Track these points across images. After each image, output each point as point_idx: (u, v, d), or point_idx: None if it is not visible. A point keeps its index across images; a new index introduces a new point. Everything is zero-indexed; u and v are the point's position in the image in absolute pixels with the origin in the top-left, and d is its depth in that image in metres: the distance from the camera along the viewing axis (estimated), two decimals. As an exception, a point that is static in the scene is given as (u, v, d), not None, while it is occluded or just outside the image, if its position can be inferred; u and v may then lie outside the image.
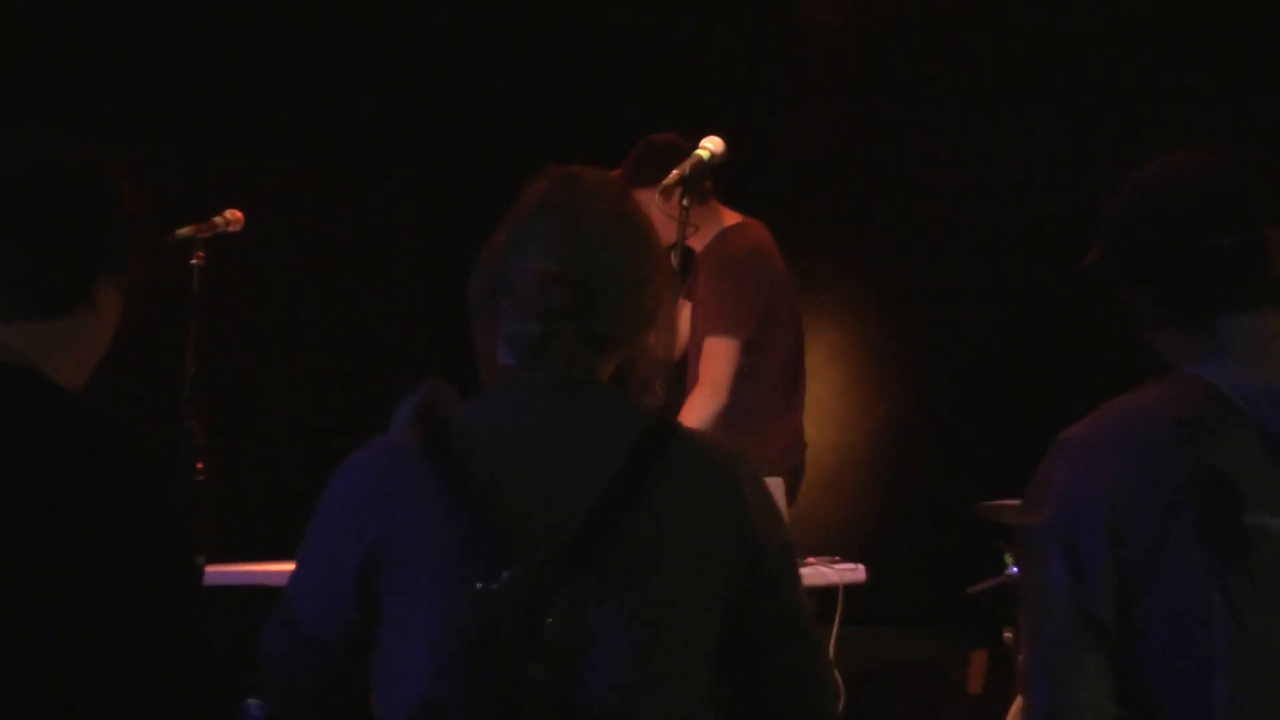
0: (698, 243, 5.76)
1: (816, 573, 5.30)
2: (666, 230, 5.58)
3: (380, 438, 2.55)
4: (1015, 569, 5.31)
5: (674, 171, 4.90)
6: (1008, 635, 5.55)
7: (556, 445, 2.44)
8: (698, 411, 5.62)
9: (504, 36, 7.95)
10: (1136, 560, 2.44)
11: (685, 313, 5.80)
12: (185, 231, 5.47)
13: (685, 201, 4.92)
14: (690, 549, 2.40)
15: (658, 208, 5.35)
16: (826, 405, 6.12)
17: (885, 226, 7.52)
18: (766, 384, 5.76)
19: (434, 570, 2.39)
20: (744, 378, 5.71)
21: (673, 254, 4.89)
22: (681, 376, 5.92)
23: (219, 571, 5.00)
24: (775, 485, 5.24)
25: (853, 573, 5.36)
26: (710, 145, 4.93)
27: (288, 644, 2.51)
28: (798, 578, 2.55)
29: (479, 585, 2.34)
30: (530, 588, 2.34)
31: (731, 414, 5.72)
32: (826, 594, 5.38)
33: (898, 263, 7.52)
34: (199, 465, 5.11)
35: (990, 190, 7.25)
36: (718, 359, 5.69)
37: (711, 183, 5.63)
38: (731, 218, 5.80)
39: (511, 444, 2.44)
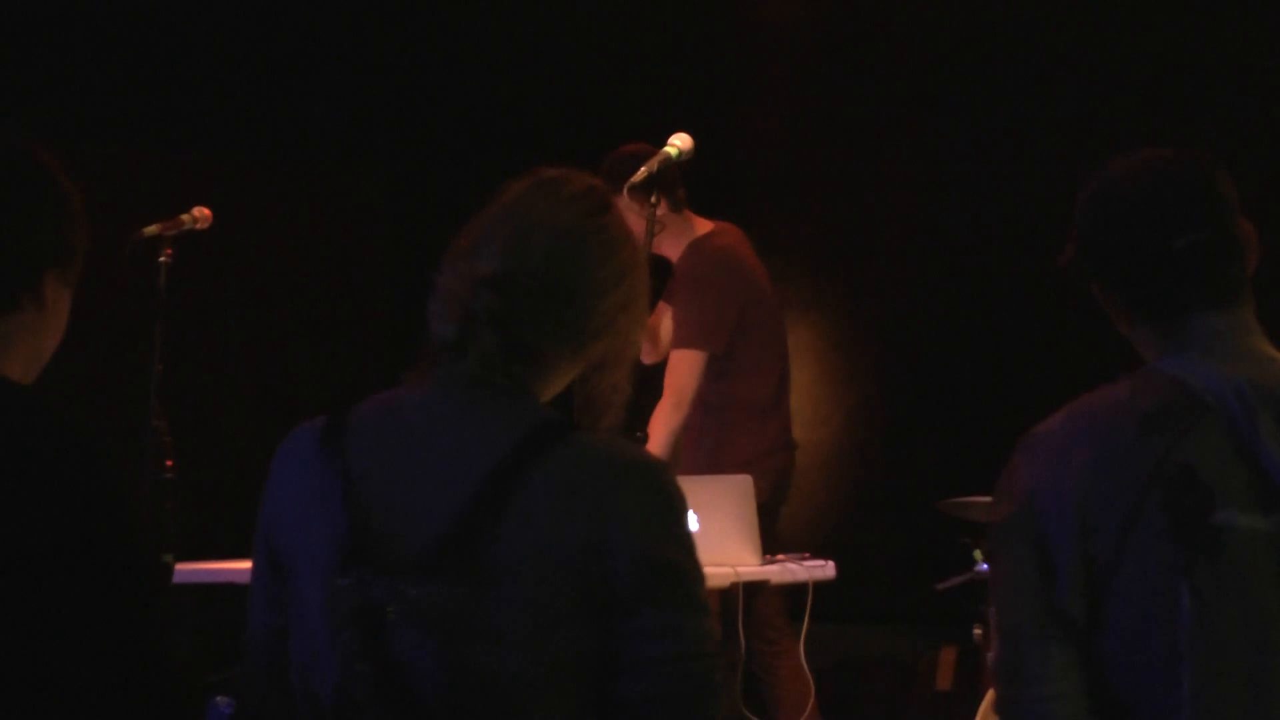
0: (672, 252, 5.76)
1: (786, 569, 5.31)
2: (641, 231, 5.62)
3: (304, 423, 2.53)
4: (984, 565, 5.33)
5: (641, 169, 4.90)
6: (977, 632, 5.56)
7: (439, 446, 2.38)
8: (660, 423, 5.64)
9: (468, 34, 7.95)
10: (1104, 554, 2.44)
11: (666, 320, 5.81)
12: (152, 229, 5.46)
13: (654, 199, 4.92)
14: (548, 558, 2.29)
15: (631, 211, 5.35)
16: (793, 403, 6.13)
17: (847, 225, 7.53)
18: (743, 385, 5.76)
19: (309, 561, 2.38)
20: (720, 379, 5.72)
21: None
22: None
23: (187, 569, 4.99)
24: (743, 483, 5.25)
25: (822, 569, 5.37)
26: (678, 142, 4.93)
27: (247, 636, 2.50)
28: (681, 599, 2.34)
29: (338, 581, 2.33)
30: (376, 587, 2.30)
31: (709, 416, 5.73)
32: (796, 591, 5.39)
33: (861, 260, 7.54)
34: (167, 463, 5.10)
35: (951, 187, 7.28)
36: (681, 371, 5.69)
37: (684, 192, 5.62)
38: (703, 226, 5.78)
39: (398, 442, 2.40)
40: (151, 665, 2.34)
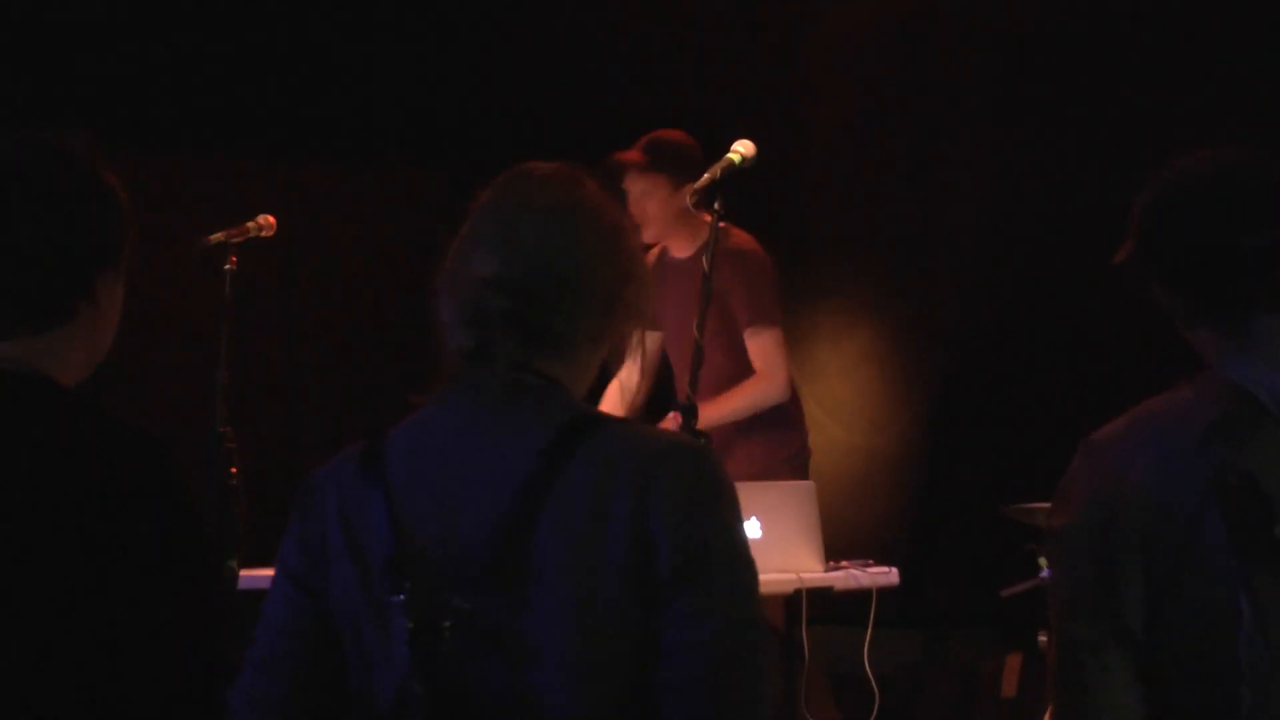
0: (680, 246, 5.83)
1: (849, 576, 5.30)
2: (658, 217, 5.67)
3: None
4: (1048, 572, 5.30)
5: (705, 175, 4.90)
6: (1042, 638, 5.53)
7: (477, 457, 2.37)
8: (756, 399, 5.70)
9: (529, 39, 7.96)
10: (1164, 564, 2.42)
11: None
12: (218, 237, 5.49)
13: (717, 205, 4.91)
14: (590, 555, 2.28)
15: (650, 198, 5.43)
16: (856, 408, 6.11)
17: (909, 229, 7.51)
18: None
19: (354, 581, 2.38)
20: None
21: (704, 258, 4.88)
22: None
23: (251, 575, 5.01)
24: (806, 489, 5.25)
25: (885, 576, 5.36)
26: (741, 149, 4.93)
27: (255, 657, 2.48)
28: (724, 583, 2.29)
29: (386, 598, 2.33)
30: (426, 604, 2.30)
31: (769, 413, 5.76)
32: (860, 597, 5.38)
33: (923, 265, 7.51)
34: (232, 470, 5.13)
35: (1016, 191, 7.24)
36: (771, 349, 5.74)
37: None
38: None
39: (438, 457, 2.39)
40: (204, 666, 2.36)
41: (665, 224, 5.79)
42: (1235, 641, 2.38)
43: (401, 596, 2.31)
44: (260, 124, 7.71)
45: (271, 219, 5.63)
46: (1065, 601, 2.50)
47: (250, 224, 5.59)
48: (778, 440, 5.81)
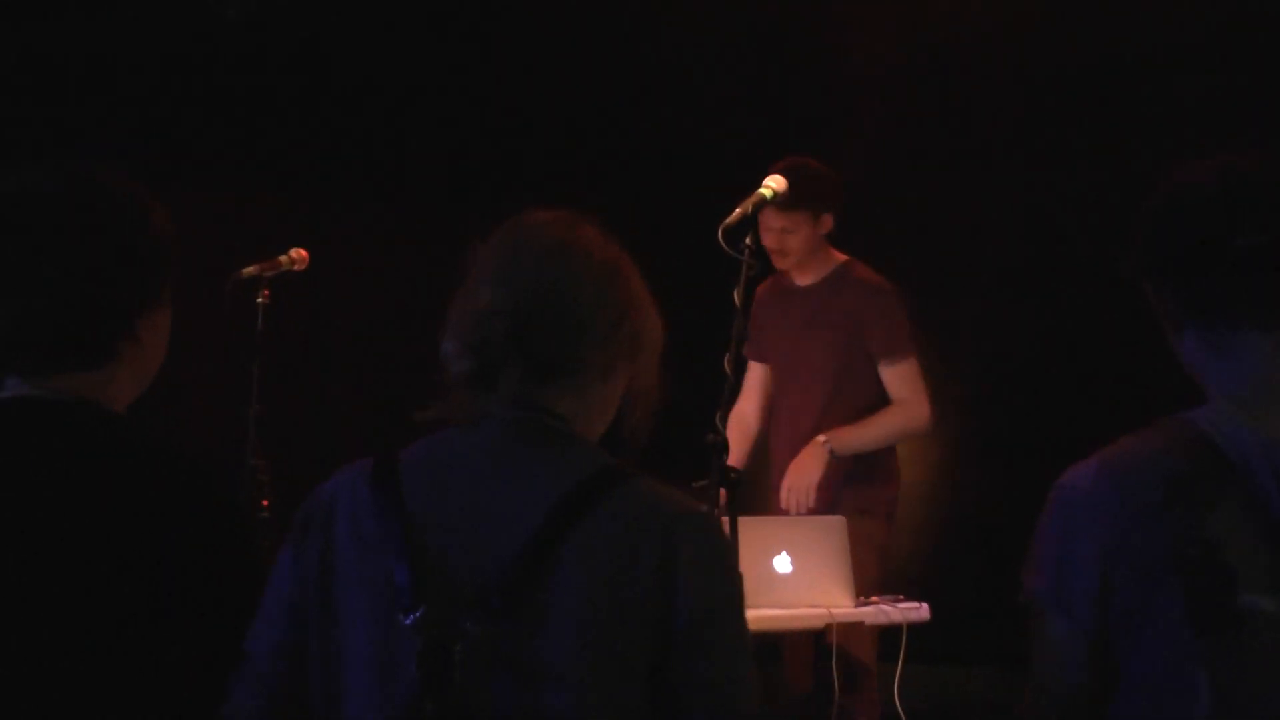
0: (805, 275, 5.86)
1: (880, 611, 5.28)
2: (797, 250, 5.73)
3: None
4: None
5: (736, 210, 4.90)
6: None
7: (498, 487, 2.40)
8: (900, 425, 5.77)
9: (561, 75, 7.98)
10: (1121, 626, 2.37)
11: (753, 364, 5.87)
12: (250, 270, 5.51)
13: (749, 240, 4.92)
14: (605, 601, 2.32)
15: (809, 239, 5.51)
16: (888, 442, 6.15)
17: (940, 260, 7.50)
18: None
19: (364, 600, 2.40)
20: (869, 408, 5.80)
21: (735, 293, 4.89)
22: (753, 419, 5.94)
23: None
24: (837, 524, 5.24)
25: (916, 611, 5.34)
26: (773, 184, 4.94)
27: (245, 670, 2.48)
28: (726, 652, 2.39)
29: (401, 619, 2.34)
30: (441, 626, 2.32)
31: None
32: (890, 633, 5.36)
33: (955, 296, 7.51)
34: (264, 502, 5.14)
35: (1042, 224, 7.23)
36: (914, 376, 5.80)
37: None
38: (838, 254, 5.90)
39: (454, 483, 2.42)
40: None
41: (803, 256, 5.81)
42: (1191, 713, 2.32)
43: (415, 617, 2.33)
44: (293, 159, 7.74)
45: (304, 252, 5.66)
46: (1045, 657, 2.47)
47: (283, 258, 5.62)
48: (881, 480, 5.83)
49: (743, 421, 5.97)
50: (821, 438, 5.64)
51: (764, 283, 5.96)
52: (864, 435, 5.69)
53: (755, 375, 6.07)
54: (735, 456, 5.82)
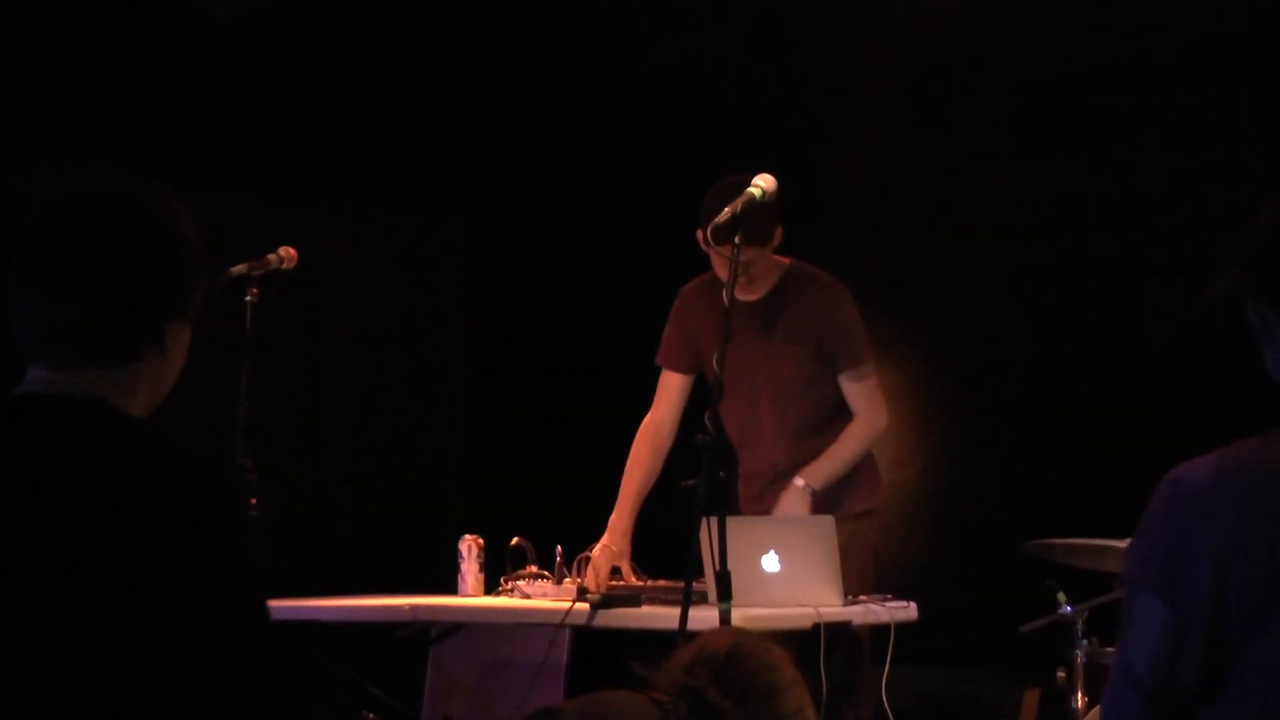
0: (752, 287, 5.69)
1: (868, 610, 5.29)
2: (761, 275, 5.59)
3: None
4: (1068, 608, 5.28)
5: (725, 210, 4.90)
6: (1061, 675, 5.51)
7: None
8: (866, 440, 5.72)
9: (550, 78, 7.98)
10: (1237, 622, 2.36)
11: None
12: (239, 269, 5.51)
13: (738, 240, 4.91)
14: None
15: (714, 251, 5.34)
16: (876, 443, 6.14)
17: (929, 266, 7.51)
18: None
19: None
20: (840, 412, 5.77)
21: (724, 294, 4.89)
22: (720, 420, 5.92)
23: (270, 606, 5.01)
24: (825, 524, 5.24)
25: (904, 611, 5.35)
26: (762, 183, 4.94)
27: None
28: None
29: None
30: None
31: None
32: (878, 632, 5.37)
33: (943, 301, 7.51)
34: (252, 501, 5.14)
35: (1036, 225, 7.23)
36: (875, 386, 5.77)
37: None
38: (782, 260, 5.77)
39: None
40: (255, 689, 2.40)
41: (765, 277, 5.71)
42: None
43: None
44: (282, 157, 7.73)
45: (293, 251, 5.65)
46: (1136, 638, 2.42)
47: (272, 256, 5.62)
48: (866, 483, 5.81)
49: (658, 434, 5.88)
50: (800, 481, 5.55)
51: (688, 285, 5.86)
52: (836, 464, 5.63)
53: (674, 385, 5.90)
54: (646, 471, 5.82)
